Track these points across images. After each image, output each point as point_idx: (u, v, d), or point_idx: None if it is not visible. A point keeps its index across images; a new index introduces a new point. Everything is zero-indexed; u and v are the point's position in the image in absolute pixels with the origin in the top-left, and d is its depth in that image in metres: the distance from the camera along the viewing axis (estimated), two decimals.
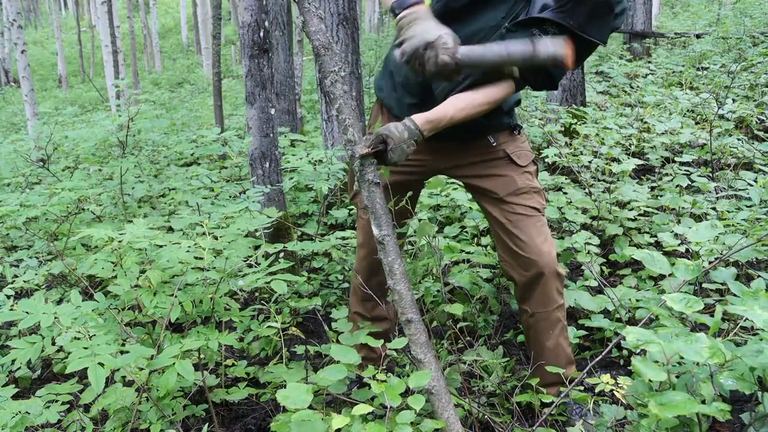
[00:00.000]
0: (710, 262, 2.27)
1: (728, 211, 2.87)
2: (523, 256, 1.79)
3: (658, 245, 2.86)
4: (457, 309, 1.74)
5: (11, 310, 1.61)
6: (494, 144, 1.82)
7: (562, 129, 4.40)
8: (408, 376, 1.43)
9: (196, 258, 1.83)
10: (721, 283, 2.16)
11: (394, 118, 1.82)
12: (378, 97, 1.91)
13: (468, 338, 2.36)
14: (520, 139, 1.87)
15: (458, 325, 2.37)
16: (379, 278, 1.99)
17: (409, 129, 1.56)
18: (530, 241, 1.78)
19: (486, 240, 2.79)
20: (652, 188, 3.52)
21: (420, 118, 1.59)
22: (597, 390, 1.69)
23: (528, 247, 1.78)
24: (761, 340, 1.30)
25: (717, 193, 3.23)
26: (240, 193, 3.02)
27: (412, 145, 1.56)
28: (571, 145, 4.01)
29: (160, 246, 1.84)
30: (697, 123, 4.65)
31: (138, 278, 1.82)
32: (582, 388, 1.99)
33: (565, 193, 3.08)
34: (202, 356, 1.98)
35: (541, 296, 1.83)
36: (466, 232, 3.02)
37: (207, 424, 1.77)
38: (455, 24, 1.62)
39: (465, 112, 1.64)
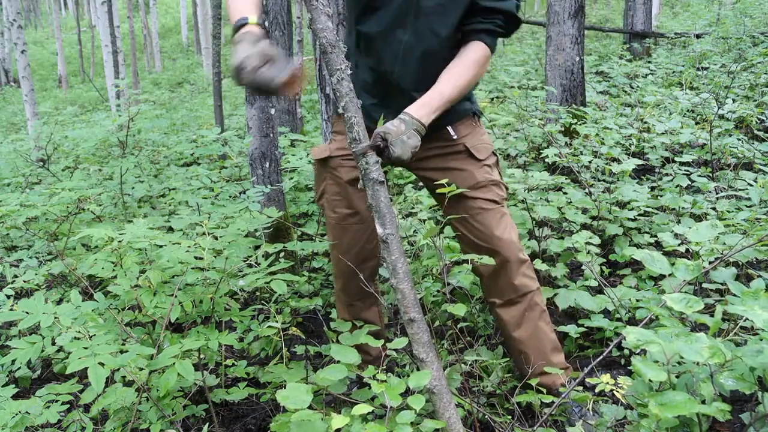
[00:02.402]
0: (710, 262, 2.27)
1: (728, 211, 2.87)
2: (484, 246, 1.81)
3: (658, 245, 2.86)
4: (459, 309, 1.74)
5: (11, 310, 1.61)
6: (455, 137, 1.83)
7: (562, 129, 4.40)
8: (408, 376, 1.43)
9: (196, 258, 1.83)
10: (721, 283, 2.16)
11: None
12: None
13: (468, 338, 2.36)
14: (479, 131, 1.88)
15: (458, 325, 2.37)
16: (358, 283, 1.95)
17: (405, 121, 1.58)
18: (490, 232, 1.81)
19: None
20: (652, 188, 3.52)
21: (413, 107, 1.62)
22: (597, 390, 1.69)
23: (488, 237, 1.81)
24: (761, 340, 1.30)
25: (717, 193, 3.23)
26: (240, 193, 3.02)
27: (413, 135, 1.57)
28: (571, 145, 4.01)
29: (160, 246, 1.84)
30: (697, 123, 4.65)
31: (138, 278, 1.82)
32: (582, 388, 1.99)
33: (565, 193, 3.08)
34: (202, 356, 1.98)
35: (509, 283, 1.84)
36: None
37: (207, 424, 1.77)
38: (378, 12, 1.67)
39: (455, 86, 1.66)
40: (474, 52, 1.69)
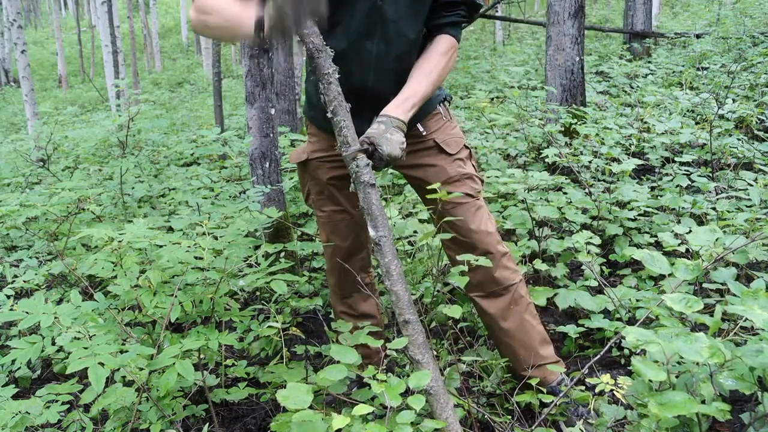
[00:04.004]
0: (710, 263, 2.27)
1: (728, 212, 2.87)
2: (462, 240, 1.82)
3: (658, 245, 2.86)
4: (455, 311, 1.74)
5: (11, 310, 1.61)
6: (424, 134, 1.84)
7: (562, 129, 4.40)
8: (408, 376, 1.43)
9: (196, 258, 1.83)
10: (721, 283, 2.16)
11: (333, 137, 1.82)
12: (316, 127, 1.91)
13: (468, 338, 2.36)
14: (449, 125, 1.89)
15: (458, 325, 2.37)
16: (353, 276, 1.99)
17: (383, 121, 1.60)
18: (465, 225, 1.81)
19: None
20: (652, 188, 3.52)
21: (388, 108, 1.64)
22: (597, 390, 1.69)
23: (464, 231, 1.82)
24: (761, 340, 1.30)
25: (717, 193, 3.23)
26: (240, 193, 3.02)
27: (395, 132, 1.59)
28: (571, 145, 4.01)
29: (160, 246, 1.84)
30: (697, 123, 4.64)
31: (138, 278, 1.82)
32: (582, 387, 1.99)
33: (565, 193, 3.08)
34: (202, 356, 1.98)
35: (489, 276, 1.85)
36: None
37: (207, 424, 1.77)
38: (339, 26, 1.66)
39: (428, 81, 1.68)
40: (442, 45, 1.72)
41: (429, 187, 1.77)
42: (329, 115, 1.53)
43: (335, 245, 1.97)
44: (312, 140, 1.92)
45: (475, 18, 1.81)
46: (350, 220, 1.94)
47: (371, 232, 1.51)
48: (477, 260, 1.77)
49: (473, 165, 1.91)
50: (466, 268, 1.74)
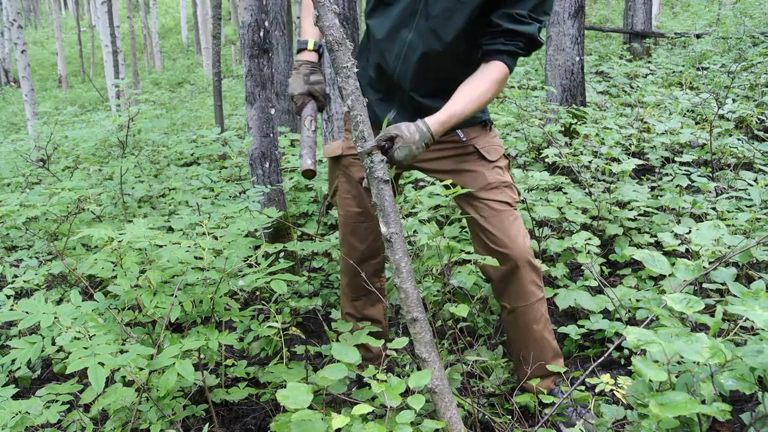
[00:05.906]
0: (711, 263, 2.27)
1: (728, 211, 2.87)
2: (495, 249, 1.80)
3: (658, 245, 2.86)
4: (462, 310, 1.73)
5: (11, 310, 1.61)
6: (464, 139, 1.82)
7: (562, 129, 4.40)
8: (408, 376, 1.43)
9: (196, 258, 1.83)
10: (722, 284, 2.16)
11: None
12: None
13: (468, 338, 2.36)
14: (490, 134, 1.88)
15: (458, 325, 2.37)
16: (364, 279, 1.99)
17: (421, 131, 1.57)
18: (502, 235, 1.79)
19: None
20: (652, 188, 3.52)
21: (432, 120, 1.60)
22: (597, 390, 1.69)
23: (500, 240, 1.79)
24: (761, 340, 1.30)
25: (717, 193, 3.23)
26: (240, 193, 3.02)
27: (422, 147, 1.57)
28: (571, 145, 4.00)
29: (160, 246, 1.84)
30: (697, 123, 4.64)
31: (138, 278, 1.82)
32: (582, 388, 1.99)
33: (565, 193, 3.08)
34: (202, 356, 1.98)
35: (518, 290, 1.83)
36: (466, 232, 3.02)
37: (207, 424, 1.77)
38: (389, 8, 1.72)
39: (472, 105, 1.65)
40: (495, 71, 1.68)
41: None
42: (345, 108, 1.52)
43: (351, 246, 1.97)
44: (349, 136, 1.91)
45: (531, 53, 1.79)
46: (370, 224, 1.93)
47: (383, 229, 1.50)
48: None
49: (511, 175, 1.89)
50: (497, 262, 1.78)
